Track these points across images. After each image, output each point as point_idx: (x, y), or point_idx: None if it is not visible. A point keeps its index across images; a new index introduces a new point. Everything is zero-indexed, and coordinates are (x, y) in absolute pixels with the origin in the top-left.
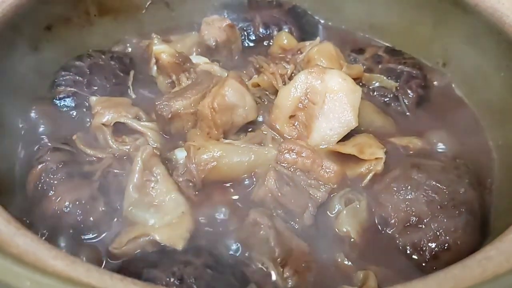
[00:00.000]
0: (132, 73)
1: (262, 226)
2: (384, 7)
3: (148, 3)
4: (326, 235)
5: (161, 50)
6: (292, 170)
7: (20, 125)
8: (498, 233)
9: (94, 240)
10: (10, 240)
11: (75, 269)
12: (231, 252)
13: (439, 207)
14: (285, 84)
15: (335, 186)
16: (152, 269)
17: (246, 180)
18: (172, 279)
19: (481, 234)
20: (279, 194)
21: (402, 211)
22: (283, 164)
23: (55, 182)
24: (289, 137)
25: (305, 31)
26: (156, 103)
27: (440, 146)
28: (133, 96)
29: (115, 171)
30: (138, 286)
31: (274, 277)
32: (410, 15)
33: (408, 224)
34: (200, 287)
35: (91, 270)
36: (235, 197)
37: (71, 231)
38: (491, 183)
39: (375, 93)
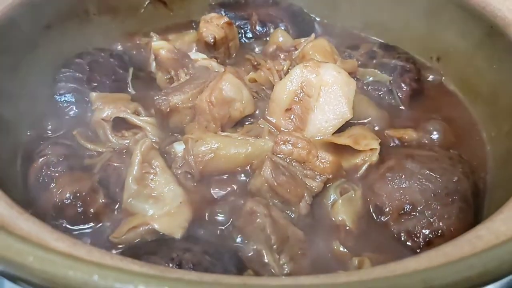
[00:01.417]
0: (131, 70)
1: (258, 214)
2: (378, 4)
3: (146, 3)
4: (322, 223)
5: (160, 46)
6: (288, 160)
7: (22, 121)
8: None
9: (94, 231)
10: (13, 223)
11: (77, 250)
12: (228, 240)
13: (432, 195)
14: (281, 79)
15: (330, 176)
16: (151, 255)
17: (243, 171)
18: (170, 265)
19: (474, 221)
20: (275, 184)
21: (397, 200)
22: (279, 155)
23: (56, 174)
24: (286, 130)
25: (301, 28)
26: (155, 98)
27: (434, 138)
28: (132, 92)
29: (115, 164)
30: (137, 265)
31: (270, 263)
32: (404, 11)
33: (402, 212)
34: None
35: (92, 251)
36: (233, 187)
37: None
38: (485, 172)
39: (369, 87)
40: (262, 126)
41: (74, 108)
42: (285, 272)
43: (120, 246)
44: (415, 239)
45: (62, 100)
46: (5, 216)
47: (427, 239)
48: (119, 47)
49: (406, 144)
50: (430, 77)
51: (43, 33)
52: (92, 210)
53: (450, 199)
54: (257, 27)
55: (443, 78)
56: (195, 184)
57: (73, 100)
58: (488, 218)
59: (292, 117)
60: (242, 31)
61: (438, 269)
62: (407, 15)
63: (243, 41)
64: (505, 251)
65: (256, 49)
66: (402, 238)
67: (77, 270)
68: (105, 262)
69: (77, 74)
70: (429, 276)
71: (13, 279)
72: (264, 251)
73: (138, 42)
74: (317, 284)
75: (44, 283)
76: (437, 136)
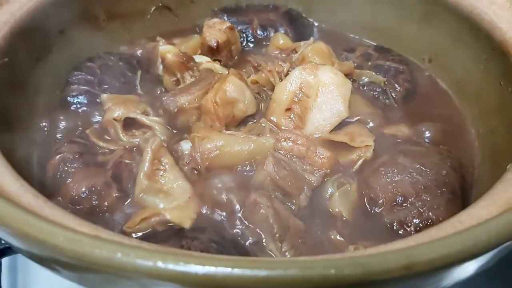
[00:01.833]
0: (139, 72)
1: (261, 205)
2: (373, 9)
3: (152, 9)
4: (320, 214)
5: (167, 50)
6: (288, 156)
7: (38, 121)
8: None
9: (108, 222)
10: (40, 211)
11: (98, 234)
12: (233, 229)
13: (423, 187)
14: (281, 81)
15: (328, 171)
16: (162, 243)
17: (247, 166)
18: None
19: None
20: (277, 178)
21: (389, 192)
22: (280, 151)
23: (73, 170)
24: (286, 128)
25: (299, 32)
26: (163, 99)
27: (426, 135)
28: (141, 93)
29: (126, 161)
30: (153, 247)
31: (273, 250)
32: (397, 15)
33: (395, 203)
34: None
35: (112, 235)
36: (237, 181)
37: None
38: (473, 167)
39: (365, 88)
40: (264, 125)
41: (87, 109)
42: None
43: (133, 235)
44: (407, 228)
45: (75, 101)
46: (33, 204)
47: (418, 228)
48: (128, 51)
49: (399, 140)
50: (422, 78)
51: (56, 38)
52: (106, 203)
53: (439, 191)
54: (258, 31)
55: (434, 78)
56: (201, 179)
57: (86, 101)
58: (470, 205)
59: (292, 116)
60: (244, 35)
61: (420, 246)
62: (400, 19)
63: (244, 45)
64: (481, 231)
65: (257, 52)
66: (395, 227)
67: (102, 248)
68: (125, 243)
69: (89, 77)
70: (412, 253)
71: (41, 260)
72: (267, 239)
73: (145, 46)
74: (314, 260)
75: (73, 261)
76: (428, 134)
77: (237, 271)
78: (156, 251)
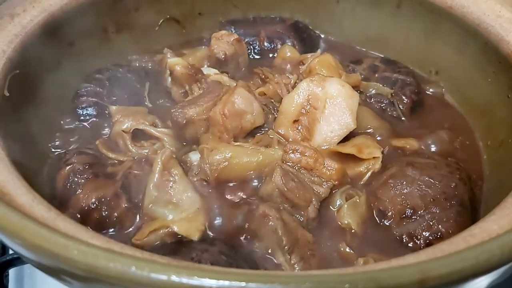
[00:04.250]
0: (147, 84)
1: (270, 217)
2: (380, 21)
3: (160, 21)
4: (329, 226)
5: (175, 62)
6: (296, 168)
7: (47, 133)
8: None
9: (118, 233)
10: (52, 223)
11: (111, 246)
12: (243, 241)
13: (432, 200)
14: (289, 93)
15: (336, 182)
16: (171, 255)
17: (255, 178)
18: None
19: (471, 224)
20: (285, 189)
21: (399, 204)
22: (288, 163)
23: (82, 181)
24: (294, 140)
25: (306, 44)
26: (172, 111)
27: (434, 147)
28: (149, 105)
29: (135, 172)
30: (165, 260)
31: (282, 263)
32: (404, 28)
33: (404, 215)
34: None
35: (124, 248)
36: (246, 193)
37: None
38: (481, 179)
39: (372, 100)
40: (272, 136)
41: (96, 120)
42: (296, 271)
43: (142, 248)
44: (416, 240)
45: (84, 113)
46: (45, 217)
47: (427, 241)
48: (136, 63)
49: (407, 152)
50: (430, 90)
51: (66, 50)
52: (115, 214)
53: (448, 204)
54: (265, 43)
55: (442, 90)
56: (210, 190)
57: (95, 113)
58: (481, 219)
59: (299, 128)
60: (251, 47)
61: (434, 261)
62: (406, 32)
63: (252, 57)
64: (495, 245)
65: (265, 64)
66: (404, 240)
67: (116, 262)
68: (139, 256)
69: (98, 89)
70: (426, 267)
71: (52, 271)
72: (276, 251)
73: (153, 58)
74: (328, 275)
75: (86, 274)
76: (436, 147)
77: (251, 285)
78: (170, 265)
